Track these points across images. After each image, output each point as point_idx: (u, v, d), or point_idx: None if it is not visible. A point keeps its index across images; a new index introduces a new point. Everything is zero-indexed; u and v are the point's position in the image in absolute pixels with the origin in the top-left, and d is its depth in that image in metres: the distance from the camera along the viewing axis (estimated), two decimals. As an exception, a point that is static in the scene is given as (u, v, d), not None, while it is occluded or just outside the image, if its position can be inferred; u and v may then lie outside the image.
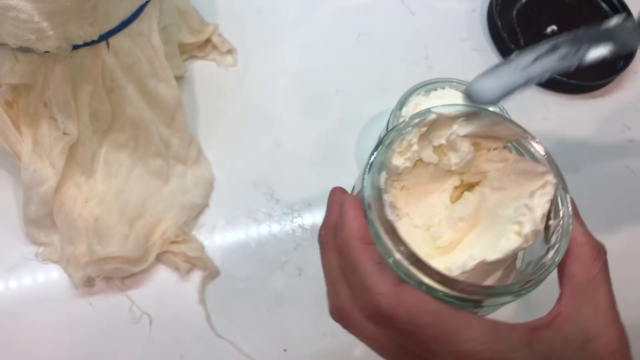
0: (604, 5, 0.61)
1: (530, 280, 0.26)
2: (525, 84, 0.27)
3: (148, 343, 0.43)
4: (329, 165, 0.50)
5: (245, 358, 0.43)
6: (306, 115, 0.53)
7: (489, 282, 0.27)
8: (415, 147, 0.28)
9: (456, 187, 0.30)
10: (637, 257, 0.49)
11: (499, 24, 0.57)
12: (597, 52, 0.27)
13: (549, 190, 0.27)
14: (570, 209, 0.27)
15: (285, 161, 0.50)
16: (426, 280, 0.25)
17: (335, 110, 0.53)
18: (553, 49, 0.28)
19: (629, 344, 0.26)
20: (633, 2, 0.59)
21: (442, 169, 0.30)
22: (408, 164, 0.28)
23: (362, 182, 0.27)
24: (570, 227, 0.27)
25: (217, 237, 0.47)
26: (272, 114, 0.53)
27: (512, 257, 0.27)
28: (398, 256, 0.25)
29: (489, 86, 0.28)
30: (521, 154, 0.29)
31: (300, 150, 0.51)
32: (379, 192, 0.26)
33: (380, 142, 0.28)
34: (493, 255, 0.26)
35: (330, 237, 0.28)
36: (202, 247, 0.46)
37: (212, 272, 0.45)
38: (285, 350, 0.43)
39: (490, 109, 0.44)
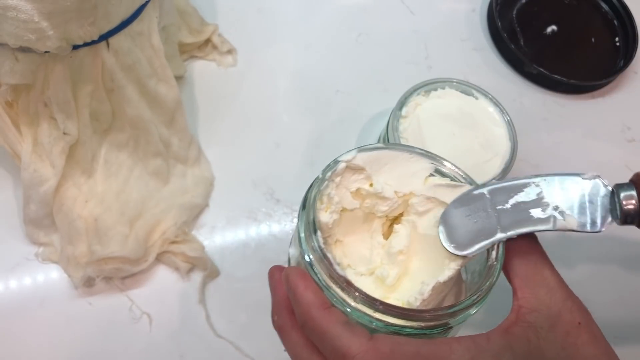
0: (603, 5, 0.61)
1: (485, 284, 0.27)
2: (497, 239, 0.28)
3: (148, 343, 0.43)
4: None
5: (245, 358, 0.43)
6: (306, 115, 0.53)
7: (446, 302, 0.28)
8: (336, 199, 0.29)
9: (383, 224, 0.31)
10: (636, 259, 0.49)
11: (499, 24, 0.57)
12: (568, 222, 0.28)
13: None
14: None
15: (285, 161, 0.50)
16: (393, 321, 0.26)
17: (335, 110, 0.53)
18: (524, 187, 0.29)
19: (589, 313, 0.27)
20: (633, 2, 0.59)
21: (365, 212, 0.31)
22: (335, 216, 0.29)
23: (301, 249, 0.28)
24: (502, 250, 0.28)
25: (217, 237, 0.47)
26: (272, 114, 0.53)
27: (458, 272, 0.28)
28: (361, 307, 0.26)
29: (463, 232, 0.28)
30: (434, 175, 0.31)
31: (300, 150, 0.51)
32: (321, 252, 0.27)
33: (303, 206, 0.29)
34: (444, 274, 0.27)
35: (285, 319, 0.28)
36: (202, 247, 0.46)
37: (212, 272, 0.45)
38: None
39: (481, 98, 0.43)
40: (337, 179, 0.30)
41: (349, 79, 0.55)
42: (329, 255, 0.27)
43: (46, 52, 0.35)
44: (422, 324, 0.26)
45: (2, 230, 0.46)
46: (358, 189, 0.31)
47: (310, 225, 0.28)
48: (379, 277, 0.29)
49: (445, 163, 0.31)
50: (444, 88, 0.48)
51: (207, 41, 0.54)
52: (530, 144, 0.53)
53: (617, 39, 0.59)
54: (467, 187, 0.30)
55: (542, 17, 0.60)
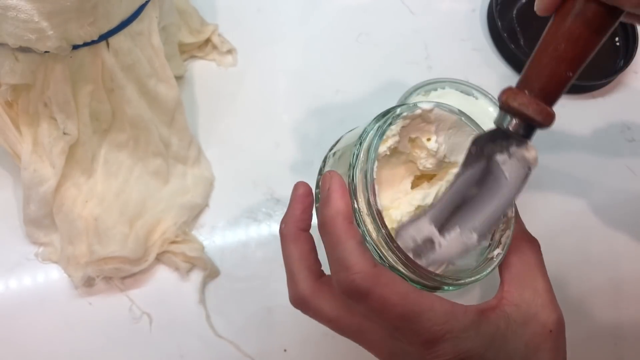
0: (604, 5, 0.61)
1: (478, 271, 0.29)
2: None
3: (148, 343, 0.43)
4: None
5: (245, 358, 0.43)
6: (306, 115, 0.53)
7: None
8: (396, 137, 0.30)
9: (417, 176, 0.32)
10: (637, 257, 0.49)
11: (499, 24, 0.57)
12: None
13: None
14: (514, 211, 0.30)
15: (285, 161, 0.50)
16: (397, 266, 0.28)
17: (335, 110, 0.53)
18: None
19: (564, 327, 0.29)
20: (633, 2, 0.59)
21: (410, 158, 0.32)
22: (387, 152, 0.30)
23: (355, 164, 0.29)
24: (513, 227, 0.30)
25: (217, 237, 0.47)
26: (272, 114, 0.53)
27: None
28: (379, 242, 0.28)
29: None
30: None
31: (300, 150, 0.51)
32: (372, 181, 0.28)
33: (374, 130, 0.30)
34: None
35: (291, 230, 0.30)
36: (202, 247, 0.46)
37: (212, 272, 0.45)
38: (285, 350, 0.43)
39: (481, 98, 0.43)
40: (407, 121, 0.31)
41: (349, 79, 0.55)
42: (376, 186, 0.27)
43: (46, 52, 0.35)
44: (418, 278, 0.28)
45: (2, 230, 0.46)
46: (417, 137, 0.31)
47: (373, 152, 0.29)
48: (390, 217, 0.30)
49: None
50: (444, 88, 0.48)
51: (207, 41, 0.54)
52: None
53: (617, 38, 0.59)
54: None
55: (542, 17, 0.59)
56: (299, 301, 0.29)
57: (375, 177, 0.28)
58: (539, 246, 0.30)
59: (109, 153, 0.44)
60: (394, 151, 0.31)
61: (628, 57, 0.57)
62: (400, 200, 0.31)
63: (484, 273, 0.29)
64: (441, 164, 0.32)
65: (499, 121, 0.28)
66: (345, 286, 0.26)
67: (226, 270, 0.46)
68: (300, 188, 0.31)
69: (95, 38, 0.36)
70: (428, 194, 0.31)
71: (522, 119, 0.28)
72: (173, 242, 0.45)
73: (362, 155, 0.29)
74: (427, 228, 0.29)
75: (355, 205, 0.28)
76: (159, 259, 0.45)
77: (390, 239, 0.27)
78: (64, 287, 0.44)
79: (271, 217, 0.48)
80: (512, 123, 0.28)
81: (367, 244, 0.28)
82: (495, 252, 0.30)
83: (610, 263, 0.49)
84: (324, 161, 0.34)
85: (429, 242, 0.28)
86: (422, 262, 0.28)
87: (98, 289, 0.44)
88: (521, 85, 0.28)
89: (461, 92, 0.48)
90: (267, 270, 0.46)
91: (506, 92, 0.28)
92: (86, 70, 0.39)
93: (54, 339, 0.42)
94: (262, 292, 0.45)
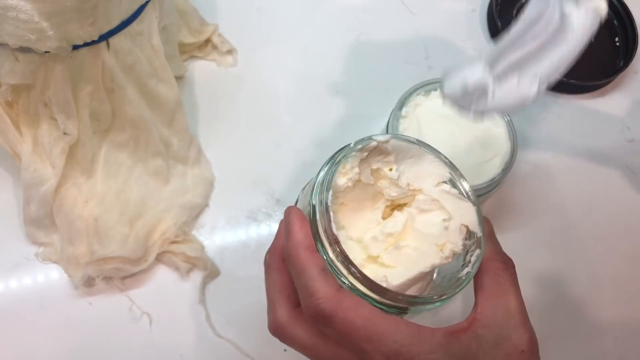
0: (603, 5, 0.61)
1: (448, 291, 0.29)
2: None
3: (148, 343, 0.43)
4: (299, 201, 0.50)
5: (245, 358, 0.43)
6: (306, 116, 0.53)
7: (412, 292, 0.31)
8: (356, 170, 0.32)
9: (387, 206, 0.33)
10: (637, 257, 0.49)
11: (499, 24, 0.57)
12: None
13: (469, 218, 0.31)
14: (483, 231, 0.31)
15: (285, 161, 0.50)
16: (359, 287, 0.28)
17: (335, 110, 0.53)
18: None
19: (537, 346, 0.29)
20: (633, 2, 0.59)
21: (376, 190, 0.33)
22: (350, 184, 0.32)
23: (311, 197, 0.30)
24: (483, 247, 0.31)
25: (217, 237, 0.47)
26: (272, 114, 0.53)
27: (432, 271, 0.31)
28: (339, 265, 0.29)
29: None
30: (447, 183, 0.33)
31: (300, 150, 0.51)
32: (326, 208, 0.29)
33: (328, 164, 0.32)
34: (425, 266, 0.30)
35: (274, 260, 0.31)
36: (202, 247, 0.46)
37: (212, 272, 0.45)
38: (285, 350, 0.43)
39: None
40: (365, 154, 0.32)
41: (349, 79, 0.55)
42: (331, 212, 0.29)
43: (46, 52, 0.35)
44: (383, 299, 0.28)
45: (2, 230, 0.46)
46: (378, 169, 0.33)
47: (327, 182, 0.30)
48: (364, 246, 0.32)
49: (463, 181, 0.33)
50: (443, 88, 0.48)
51: (207, 41, 0.54)
52: (530, 144, 0.53)
53: (616, 39, 0.59)
54: (470, 203, 0.32)
55: (542, 17, 0.60)
56: (276, 328, 0.30)
57: (329, 204, 0.29)
58: (513, 267, 0.30)
59: (109, 153, 0.44)
60: (359, 183, 0.33)
61: (628, 58, 0.57)
62: (372, 230, 0.33)
63: (452, 293, 0.30)
64: (407, 192, 0.33)
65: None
66: (311, 311, 0.27)
67: (226, 270, 0.46)
68: (287, 216, 0.31)
69: (96, 38, 0.36)
70: (397, 221, 0.32)
71: None
72: (173, 242, 0.45)
73: (317, 187, 0.31)
74: (479, 73, 0.25)
75: (318, 234, 0.29)
76: (159, 259, 0.45)
77: (349, 262, 0.28)
78: (64, 287, 0.44)
79: (271, 217, 0.48)
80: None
81: (332, 270, 0.29)
82: (465, 271, 0.30)
83: (609, 262, 0.49)
84: (297, 198, 0.36)
85: (481, 90, 0.25)
86: (469, 111, 0.26)
87: (98, 289, 0.44)
88: None
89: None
90: (267, 270, 0.46)
91: None
92: (86, 71, 0.39)
93: (54, 338, 0.42)
94: (262, 292, 0.45)
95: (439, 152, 0.33)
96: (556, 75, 0.26)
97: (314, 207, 0.30)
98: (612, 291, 0.47)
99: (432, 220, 0.31)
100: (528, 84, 0.25)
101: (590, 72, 0.57)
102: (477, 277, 0.30)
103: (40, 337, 0.42)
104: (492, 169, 0.45)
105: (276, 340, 0.44)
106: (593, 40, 0.63)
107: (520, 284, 0.47)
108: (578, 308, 0.47)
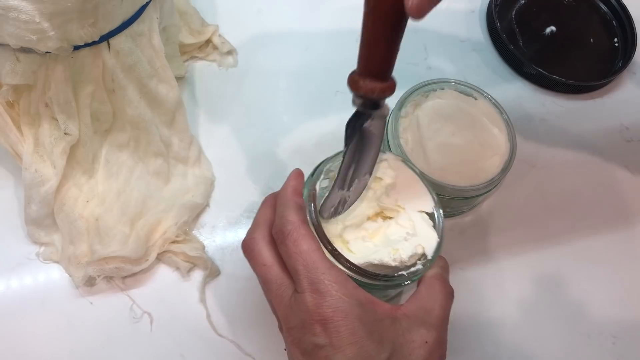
0: (602, 6, 0.61)
1: (383, 279, 0.36)
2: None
3: (149, 342, 0.43)
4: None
5: (246, 357, 0.43)
6: (306, 116, 0.53)
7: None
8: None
9: (376, 212, 0.39)
10: (636, 258, 0.49)
11: (498, 24, 0.57)
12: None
13: (428, 243, 0.37)
14: (434, 257, 0.37)
15: (285, 161, 0.50)
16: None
17: (335, 110, 0.53)
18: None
19: (442, 347, 0.34)
20: (632, 3, 0.60)
21: (373, 196, 0.39)
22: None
23: (313, 178, 0.37)
24: (427, 267, 0.36)
25: (217, 236, 0.47)
26: (272, 114, 0.53)
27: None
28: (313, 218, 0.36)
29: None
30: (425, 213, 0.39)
31: (300, 150, 0.51)
32: (314, 193, 0.37)
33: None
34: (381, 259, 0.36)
35: (269, 198, 0.38)
36: (203, 247, 0.46)
37: (212, 272, 0.45)
38: (285, 349, 0.43)
39: (480, 98, 0.47)
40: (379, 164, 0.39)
41: (348, 79, 0.55)
42: (316, 199, 0.37)
43: (47, 52, 0.36)
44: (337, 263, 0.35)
45: (3, 230, 0.46)
46: (380, 178, 0.39)
47: (318, 173, 0.38)
48: (343, 228, 0.38)
49: (441, 219, 0.38)
50: (443, 88, 0.48)
51: (208, 42, 0.54)
52: (529, 144, 0.53)
53: (615, 39, 0.59)
54: (436, 234, 0.37)
55: (541, 18, 0.60)
56: (247, 244, 0.36)
57: (317, 189, 0.37)
58: (451, 294, 0.36)
59: (110, 153, 0.44)
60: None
61: (627, 58, 0.57)
62: (355, 220, 0.38)
63: (384, 283, 0.36)
64: (393, 205, 0.38)
65: (356, 103, 0.36)
66: (277, 229, 0.34)
67: (226, 270, 0.46)
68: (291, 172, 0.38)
69: (96, 39, 0.37)
70: (377, 226, 0.38)
71: (368, 99, 0.35)
72: (174, 242, 0.45)
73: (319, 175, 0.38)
74: (337, 195, 0.37)
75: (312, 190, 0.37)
76: (159, 258, 0.45)
77: (317, 220, 0.35)
78: (65, 286, 0.44)
79: (271, 217, 0.48)
80: (364, 104, 0.35)
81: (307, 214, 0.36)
82: (398, 273, 0.36)
83: (609, 262, 0.49)
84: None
85: (343, 201, 0.37)
86: (341, 214, 0.37)
87: (99, 288, 0.44)
88: (359, 72, 0.34)
89: (460, 92, 0.48)
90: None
91: (351, 80, 0.35)
92: (87, 71, 0.39)
93: (55, 338, 0.43)
94: (262, 292, 0.45)
95: (432, 191, 0.39)
96: (375, 163, 0.38)
97: (317, 168, 0.38)
98: (612, 291, 0.48)
99: (400, 231, 0.37)
100: (362, 178, 0.37)
101: (589, 72, 0.57)
102: (417, 287, 0.36)
103: (41, 336, 0.43)
104: (491, 169, 0.45)
105: (276, 339, 0.44)
106: (592, 40, 0.63)
107: (520, 284, 0.48)
108: (577, 308, 0.47)
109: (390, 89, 0.34)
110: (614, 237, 0.50)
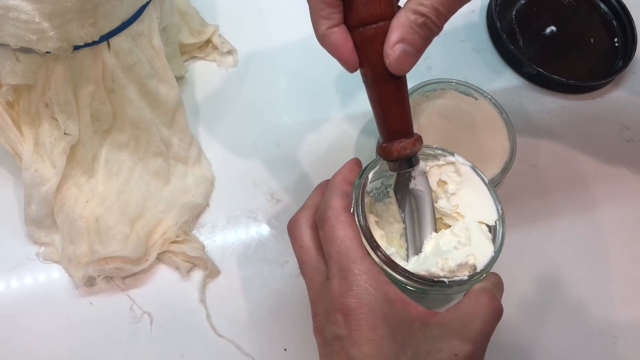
0: (602, 5, 0.61)
1: (426, 285, 0.34)
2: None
3: (149, 342, 0.43)
4: (329, 165, 0.50)
5: (246, 357, 0.43)
6: (306, 116, 0.53)
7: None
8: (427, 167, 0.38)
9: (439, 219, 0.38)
10: (636, 258, 0.49)
11: (498, 24, 0.57)
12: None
13: (480, 255, 0.35)
14: (487, 270, 0.35)
15: (285, 161, 0.50)
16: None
17: (335, 110, 0.53)
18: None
19: None
20: (632, 3, 0.60)
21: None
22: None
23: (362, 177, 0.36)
24: (476, 280, 0.34)
25: (217, 236, 0.47)
26: (272, 114, 0.53)
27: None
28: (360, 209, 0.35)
29: None
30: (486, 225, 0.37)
31: (300, 150, 0.51)
32: (364, 187, 0.36)
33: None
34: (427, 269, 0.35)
35: (322, 184, 0.38)
36: (203, 247, 0.46)
37: (212, 272, 0.45)
38: (285, 349, 0.43)
39: (480, 98, 0.46)
40: (442, 163, 0.38)
41: (349, 79, 0.55)
42: (365, 196, 0.36)
43: (47, 52, 0.36)
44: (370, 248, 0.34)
45: (3, 230, 0.46)
46: (444, 181, 0.38)
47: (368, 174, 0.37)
48: (395, 231, 0.38)
49: (502, 232, 0.36)
50: (443, 89, 0.48)
51: (208, 42, 0.54)
52: (530, 144, 0.53)
53: (616, 39, 0.59)
54: (492, 247, 0.35)
55: (541, 18, 0.60)
56: (292, 223, 0.36)
57: (369, 180, 0.36)
58: (497, 312, 0.33)
59: (110, 153, 0.44)
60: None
61: (627, 58, 0.57)
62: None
63: (427, 286, 0.34)
64: (452, 211, 0.37)
65: (394, 169, 0.36)
66: (319, 214, 0.34)
67: (226, 270, 0.46)
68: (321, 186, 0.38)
69: (96, 39, 0.37)
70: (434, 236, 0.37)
71: (403, 159, 0.35)
72: (174, 242, 0.45)
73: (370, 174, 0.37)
74: (414, 261, 0.36)
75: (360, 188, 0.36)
76: (159, 258, 0.45)
77: (364, 214, 0.34)
78: (65, 286, 0.44)
79: (271, 217, 0.48)
80: (400, 165, 0.35)
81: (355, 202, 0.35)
82: (444, 278, 0.34)
83: (609, 262, 0.49)
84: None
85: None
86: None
87: (99, 288, 0.44)
88: (385, 140, 0.35)
89: (460, 92, 0.48)
90: (267, 270, 0.46)
91: (382, 149, 0.35)
92: (87, 71, 0.39)
93: (55, 338, 0.43)
94: (262, 292, 0.45)
95: (499, 203, 0.37)
96: (434, 219, 0.37)
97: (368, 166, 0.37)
98: (612, 291, 0.48)
99: (453, 241, 0.35)
100: (429, 239, 0.36)
101: (590, 72, 0.57)
102: (462, 298, 0.33)
103: (41, 336, 0.43)
104: (492, 169, 0.45)
105: (276, 339, 0.44)
106: (592, 40, 0.63)
107: (519, 283, 0.48)
108: (578, 308, 0.47)
109: (419, 140, 0.35)
110: (614, 237, 0.50)
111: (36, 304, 0.44)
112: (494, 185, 0.45)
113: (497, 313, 0.32)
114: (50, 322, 0.43)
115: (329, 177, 0.37)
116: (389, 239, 0.38)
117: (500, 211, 0.36)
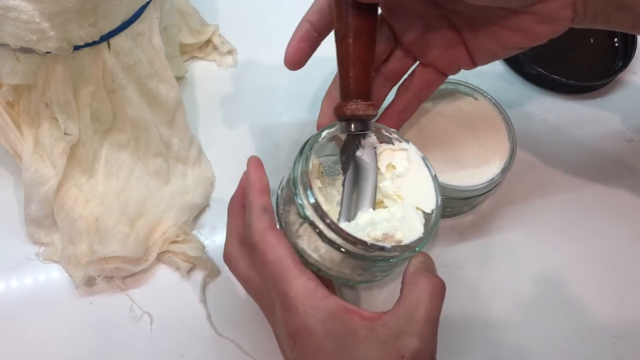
0: (602, 5, 0.61)
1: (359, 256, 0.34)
2: None
3: (149, 342, 0.43)
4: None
5: (246, 357, 0.43)
6: (306, 116, 0.53)
7: (344, 267, 0.36)
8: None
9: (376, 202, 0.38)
10: (636, 258, 0.49)
11: (498, 24, 0.57)
12: None
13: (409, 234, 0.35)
14: (414, 250, 0.35)
15: (285, 161, 0.50)
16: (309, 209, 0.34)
17: (335, 110, 0.53)
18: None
19: (424, 358, 0.31)
20: (632, 3, 0.59)
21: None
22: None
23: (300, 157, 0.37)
24: (405, 256, 0.34)
25: (217, 236, 0.47)
26: (272, 114, 0.53)
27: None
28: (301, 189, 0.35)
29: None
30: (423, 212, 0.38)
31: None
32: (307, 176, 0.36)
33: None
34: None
35: (232, 204, 0.38)
36: (203, 247, 0.46)
37: (212, 272, 0.45)
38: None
39: (480, 98, 0.49)
40: (389, 149, 0.38)
41: (348, 79, 0.55)
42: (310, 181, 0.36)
43: (47, 52, 0.36)
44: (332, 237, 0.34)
45: (3, 230, 0.46)
46: (393, 165, 0.38)
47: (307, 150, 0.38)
48: (333, 204, 0.38)
49: (436, 217, 0.37)
50: (443, 89, 0.48)
51: (208, 42, 0.54)
52: (530, 145, 0.53)
53: (616, 39, 0.59)
54: (423, 231, 0.36)
55: (541, 18, 0.60)
56: (226, 258, 0.37)
57: (309, 168, 0.36)
58: (440, 286, 0.32)
59: (110, 153, 0.44)
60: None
61: (627, 58, 0.57)
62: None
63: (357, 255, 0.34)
64: (393, 193, 0.37)
65: (344, 129, 0.37)
66: (247, 239, 0.34)
67: (227, 270, 0.45)
68: (247, 164, 0.37)
69: (97, 39, 0.37)
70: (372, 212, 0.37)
71: (356, 120, 0.35)
72: (174, 242, 0.45)
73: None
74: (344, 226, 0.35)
75: (279, 193, 0.38)
76: (159, 258, 0.45)
77: (310, 187, 0.34)
78: (65, 286, 0.44)
79: (271, 217, 0.48)
80: (352, 127, 0.36)
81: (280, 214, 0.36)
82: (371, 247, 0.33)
83: (609, 262, 0.49)
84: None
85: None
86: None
87: (99, 288, 0.44)
88: (343, 99, 0.36)
89: (460, 92, 0.48)
90: (268, 270, 0.46)
91: (337, 107, 0.36)
92: (87, 71, 0.39)
93: (55, 338, 0.43)
94: (262, 292, 0.45)
95: (439, 196, 0.37)
96: (375, 194, 0.37)
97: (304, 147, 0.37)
98: (612, 291, 0.48)
99: (386, 217, 0.36)
100: (366, 212, 0.36)
101: (590, 72, 0.57)
102: (400, 292, 0.32)
103: (41, 336, 0.43)
104: (492, 169, 0.45)
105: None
106: (592, 40, 0.63)
107: (519, 284, 0.48)
108: (577, 308, 0.47)
109: (374, 107, 0.35)
110: (614, 237, 0.50)
111: (36, 304, 0.44)
112: (494, 185, 0.45)
113: (439, 290, 0.32)
114: (50, 322, 0.43)
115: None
116: (329, 209, 0.37)
117: (439, 203, 0.37)
